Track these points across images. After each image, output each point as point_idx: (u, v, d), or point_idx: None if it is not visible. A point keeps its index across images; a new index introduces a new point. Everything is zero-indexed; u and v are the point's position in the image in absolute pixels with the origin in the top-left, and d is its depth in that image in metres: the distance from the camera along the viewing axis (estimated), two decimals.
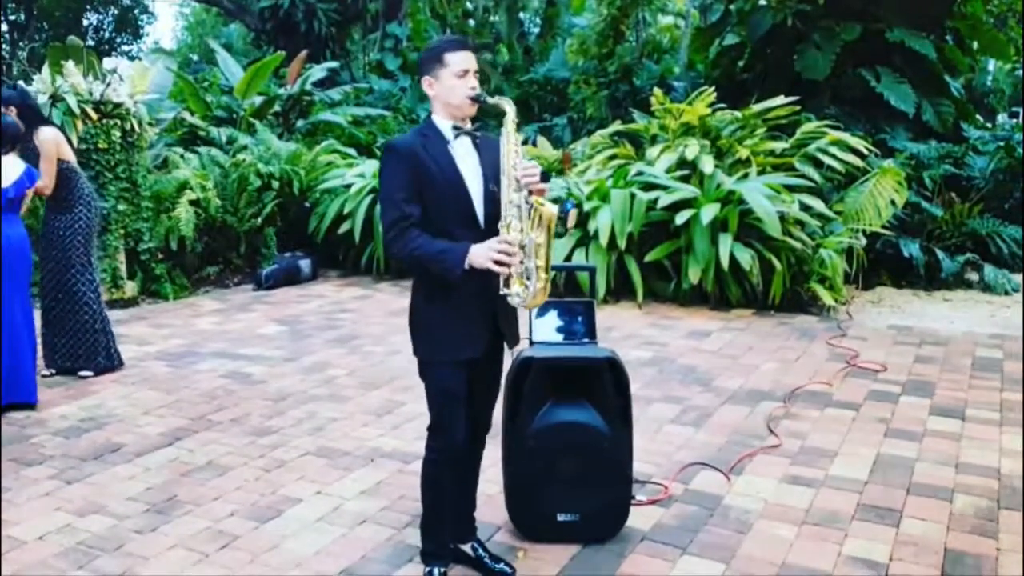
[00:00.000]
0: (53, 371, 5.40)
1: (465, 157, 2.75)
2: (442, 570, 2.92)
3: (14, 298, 4.79)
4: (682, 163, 8.02)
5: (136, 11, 23.97)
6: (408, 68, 17.28)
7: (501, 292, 2.66)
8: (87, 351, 5.44)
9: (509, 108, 2.71)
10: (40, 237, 5.36)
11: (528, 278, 2.64)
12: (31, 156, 5.11)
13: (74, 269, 5.38)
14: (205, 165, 8.85)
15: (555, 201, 7.83)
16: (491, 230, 2.70)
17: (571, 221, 2.77)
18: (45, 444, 4.29)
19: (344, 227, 8.75)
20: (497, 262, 2.59)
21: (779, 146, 8.36)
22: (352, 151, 10.62)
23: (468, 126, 2.77)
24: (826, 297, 7.15)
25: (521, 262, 2.63)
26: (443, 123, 2.75)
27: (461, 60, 2.68)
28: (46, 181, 5.17)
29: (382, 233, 2.80)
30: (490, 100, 2.72)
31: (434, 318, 2.77)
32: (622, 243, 7.28)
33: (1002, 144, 9.41)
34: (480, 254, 2.60)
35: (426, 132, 2.76)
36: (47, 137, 5.20)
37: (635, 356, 5.80)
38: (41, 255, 5.35)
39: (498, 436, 3.22)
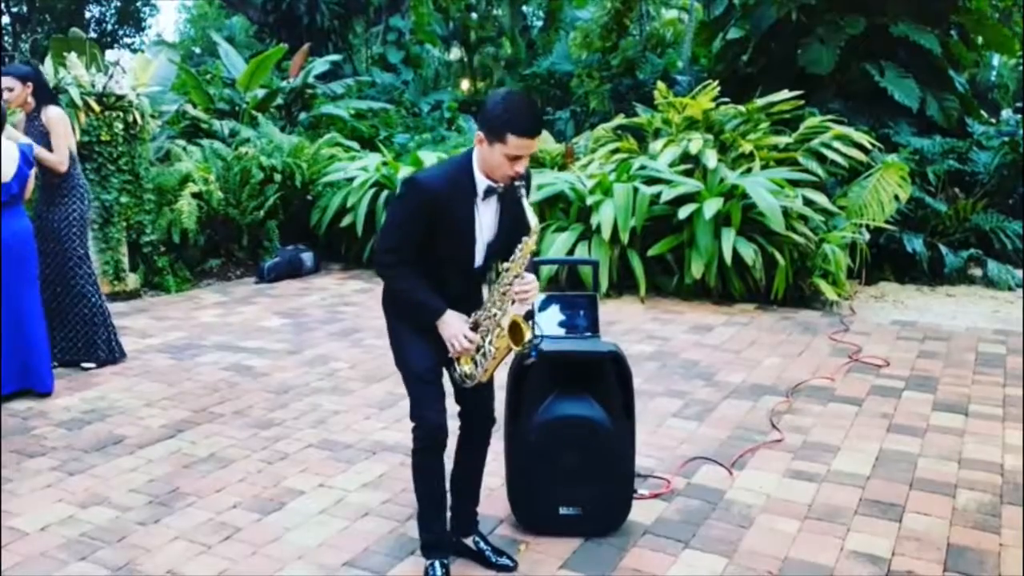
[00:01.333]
0: (55, 363, 5.39)
1: (486, 216, 2.76)
2: (444, 562, 2.91)
3: (25, 289, 4.82)
4: (685, 157, 8.00)
5: (138, 3, 23.93)
6: (410, 61, 17.25)
7: (449, 355, 2.80)
8: (86, 344, 5.43)
9: (533, 224, 2.66)
10: (35, 230, 5.27)
11: (477, 366, 2.80)
12: (36, 135, 5.13)
13: (72, 262, 5.37)
14: (207, 158, 8.83)
15: (556, 196, 7.83)
16: (481, 274, 2.83)
17: (527, 362, 2.98)
18: (47, 436, 4.29)
19: (346, 220, 8.75)
20: (456, 348, 2.75)
21: (782, 140, 8.34)
22: (354, 144, 10.60)
23: (500, 187, 2.70)
24: (829, 292, 7.13)
25: (478, 350, 2.77)
26: (480, 179, 2.69)
27: (520, 147, 2.58)
28: (60, 158, 5.19)
29: (377, 248, 2.84)
30: (525, 201, 2.67)
31: (407, 334, 2.88)
32: (625, 237, 7.27)
33: (1006, 139, 9.38)
34: (448, 330, 2.74)
35: (461, 180, 2.69)
36: (58, 114, 5.22)
37: (637, 350, 5.79)
38: (38, 249, 5.28)
39: (500, 430, 3.23)
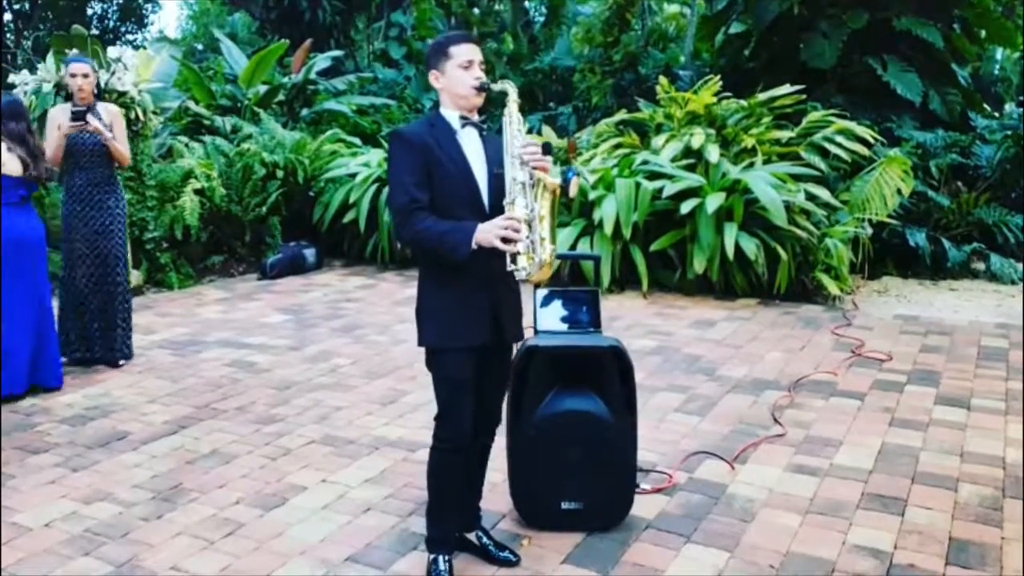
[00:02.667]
0: (65, 360, 5.33)
1: (471, 146, 2.79)
2: (447, 558, 2.91)
3: (45, 286, 4.89)
4: (687, 152, 8.00)
5: (140, 0, 23.93)
6: (413, 57, 17.21)
7: (508, 268, 2.64)
8: (123, 341, 5.45)
9: (511, 90, 2.76)
10: (79, 226, 5.27)
11: (534, 251, 2.63)
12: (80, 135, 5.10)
13: (121, 260, 5.41)
14: (210, 154, 8.84)
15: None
16: (496, 215, 2.69)
17: (573, 189, 2.79)
18: (51, 432, 4.30)
19: (348, 216, 8.76)
20: (504, 239, 2.58)
21: (785, 135, 8.33)
22: (356, 140, 10.61)
23: (475, 118, 2.80)
24: (831, 287, 7.13)
25: (527, 236, 2.62)
26: (450, 114, 2.79)
27: (465, 52, 2.73)
28: (126, 151, 5.34)
29: (391, 219, 2.83)
30: (494, 87, 2.77)
31: (441, 306, 2.77)
32: (627, 232, 7.27)
33: (1009, 133, 9.36)
34: (487, 232, 2.59)
35: (434, 122, 2.80)
36: (117, 108, 5.38)
37: (640, 345, 5.79)
38: (87, 247, 5.29)
39: (503, 424, 3.23)
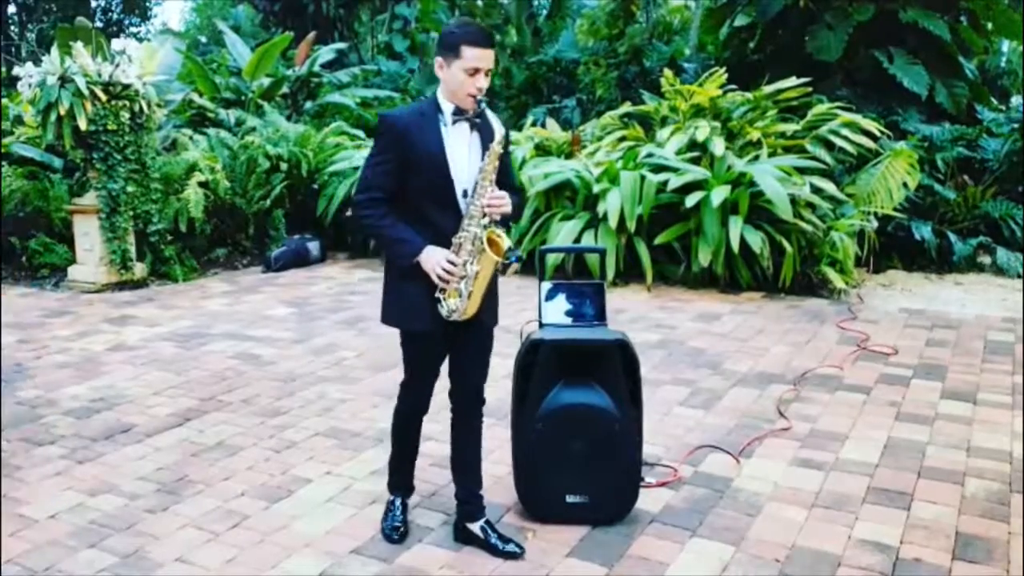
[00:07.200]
0: None
1: (459, 140, 2.79)
2: (403, 500, 3.20)
3: None
4: (692, 145, 7.98)
5: None
6: (416, 50, 17.19)
7: (436, 295, 2.81)
8: None
9: (499, 130, 2.78)
10: None
11: (461, 296, 2.80)
12: None
13: None
14: (214, 147, 8.84)
15: (563, 185, 7.81)
16: (465, 209, 2.82)
17: (510, 270, 3.01)
18: (56, 424, 4.31)
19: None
20: (440, 276, 2.74)
21: (790, 128, 8.30)
22: (360, 133, 10.60)
23: (471, 111, 2.77)
24: (837, 280, 7.11)
25: (461, 279, 2.77)
26: (446, 104, 2.79)
27: (475, 57, 2.67)
28: None
29: (354, 193, 2.89)
30: (489, 113, 2.80)
31: (404, 289, 2.87)
32: (632, 225, 7.25)
33: (1016, 126, 9.32)
34: (429, 261, 2.75)
35: (426, 110, 2.80)
36: None
37: (644, 339, 5.78)
38: None
39: (507, 417, 3.23)
